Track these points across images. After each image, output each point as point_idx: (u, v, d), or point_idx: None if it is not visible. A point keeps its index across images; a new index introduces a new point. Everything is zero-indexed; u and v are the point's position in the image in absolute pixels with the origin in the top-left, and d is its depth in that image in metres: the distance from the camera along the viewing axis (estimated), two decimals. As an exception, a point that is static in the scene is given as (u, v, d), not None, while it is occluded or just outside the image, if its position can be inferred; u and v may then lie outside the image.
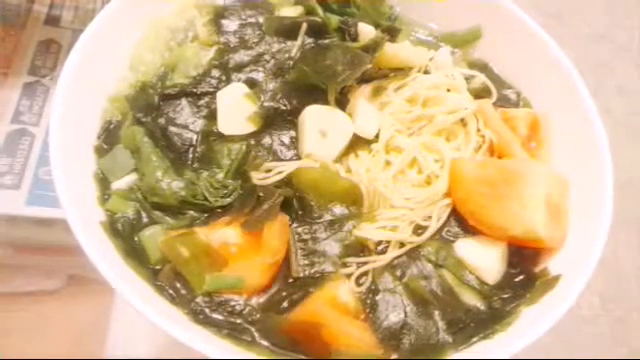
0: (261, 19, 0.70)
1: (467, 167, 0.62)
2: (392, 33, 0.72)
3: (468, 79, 0.72)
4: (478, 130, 0.68)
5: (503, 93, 0.74)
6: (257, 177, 0.61)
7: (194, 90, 0.65)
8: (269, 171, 0.61)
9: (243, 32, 0.69)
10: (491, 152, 0.68)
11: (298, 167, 0.60)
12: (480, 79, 0.72)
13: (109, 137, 0.63)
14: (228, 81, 0.66)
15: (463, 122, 0.68)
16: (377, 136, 0.64)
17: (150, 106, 0.64)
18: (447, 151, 0.65)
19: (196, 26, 0.70)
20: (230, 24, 0.70)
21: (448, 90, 0.69)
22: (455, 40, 0.78)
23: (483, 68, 0.76)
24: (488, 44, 0.77)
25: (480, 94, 0.72)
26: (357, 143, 0.63)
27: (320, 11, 0.70)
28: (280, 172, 0.60)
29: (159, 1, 0.70)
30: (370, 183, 0.61)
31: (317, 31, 0.68)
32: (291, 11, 0.72)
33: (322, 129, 0.62)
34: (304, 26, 0.68)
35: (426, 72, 0.70)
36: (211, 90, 0.65)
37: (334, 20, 0.69)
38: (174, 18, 0.70)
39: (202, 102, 0.65)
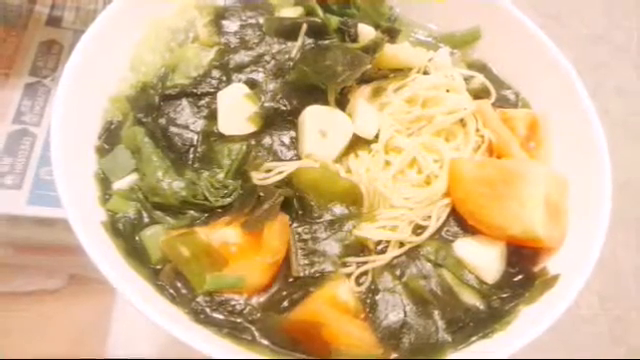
0: (261, 20, 0.70)
1: (466, 167, 0.62)
2: (392, 34, 0.72)
3: (467, 79, 0.72)
4: (477, 130, 0.68)
5: (502, 93, 0.74)
6: (257, 177, 0.61)
7: (194, 90, 0.65)
8: (269, 171, 0.62)
9: (243, 33, 0.70)
10: (490, 152, 0.68)
11: (298, 167, 0.60)
12: (479, 79, 0.73)
13: (110, 137, 0.63)
14: (228, 81, 0.66)
15: (462, 122, 0.68)
16: (377, 136, 0.64)
17: (151, 106, 0.64)
18: (446, 151, 0.65)
19: (197, 27, 0.71)
20: (230, 25, 0.70)
21: (447, 90, 0.69)
22: (454, 41, 0.78)
23: (482, 69, 0.76)
24: (487, 45, 0.77)
25: (479, 94, 0.72)
26: (357, 143, 0.63)
27: (320, 12, 0.70)
28: (280, 172, 0.61)
29: (160, 2, 0.70)
30: (370, 183, 0.61)
31: (317, 32, 0.69)
32: (291, 12, 0.72)
33: (322, 129, 0.62)
34: (304, 27, 0.68)
35: (425, 73, 0.70)
36: (211, 90, 0.65)
37: (334, 21, 0.70)
38: (175, 19, 0.71)
39: (202, 102, 0.65)
